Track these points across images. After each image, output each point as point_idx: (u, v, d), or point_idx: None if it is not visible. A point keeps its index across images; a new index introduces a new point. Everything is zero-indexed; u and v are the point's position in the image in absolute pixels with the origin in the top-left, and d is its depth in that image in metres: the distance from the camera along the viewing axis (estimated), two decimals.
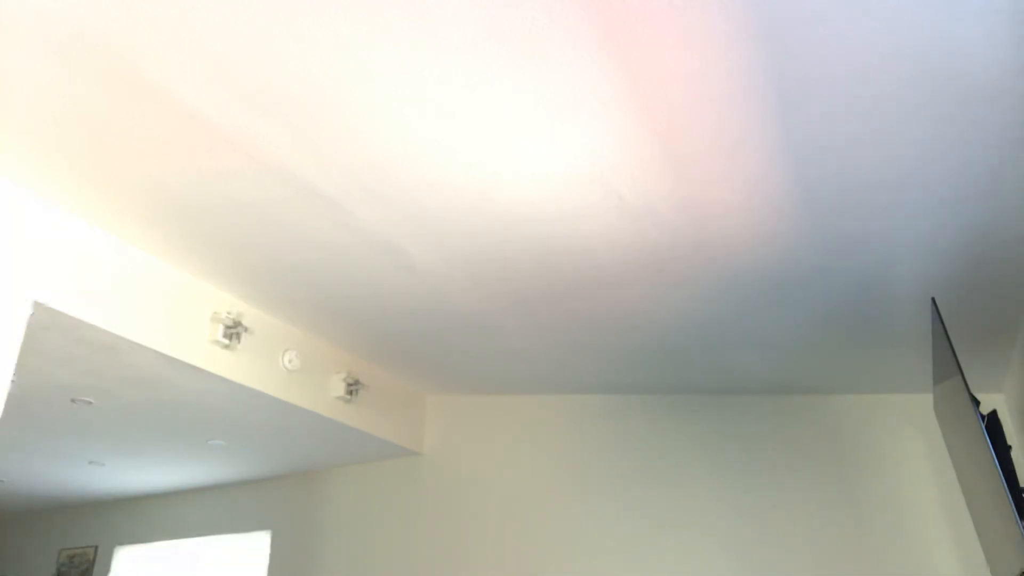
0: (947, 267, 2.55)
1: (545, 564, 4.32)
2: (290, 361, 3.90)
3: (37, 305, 2.78)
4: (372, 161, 2.33)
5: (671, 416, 4.31)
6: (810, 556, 3.72)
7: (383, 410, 4.65)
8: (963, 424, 2.49)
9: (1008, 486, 2.14)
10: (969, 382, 2.33)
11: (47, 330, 2.98)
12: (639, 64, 1.80)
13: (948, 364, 2.39)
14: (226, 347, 3.53)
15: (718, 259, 2.68)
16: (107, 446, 4.75)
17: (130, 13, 1.82)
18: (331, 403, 4.20)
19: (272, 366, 3.83)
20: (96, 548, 6.30)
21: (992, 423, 2.45)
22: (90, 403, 3.90)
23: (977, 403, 2.30)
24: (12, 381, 2.66)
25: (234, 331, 3.54)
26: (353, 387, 4.27)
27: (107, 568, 6.16)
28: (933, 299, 2.48)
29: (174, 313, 3.31)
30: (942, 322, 2.36)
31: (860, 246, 2.49)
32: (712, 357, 3.69)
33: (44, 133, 2.36)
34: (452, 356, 4.17)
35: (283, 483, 5.55)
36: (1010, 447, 2.56)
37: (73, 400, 3.85)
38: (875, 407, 3.85)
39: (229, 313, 3.50)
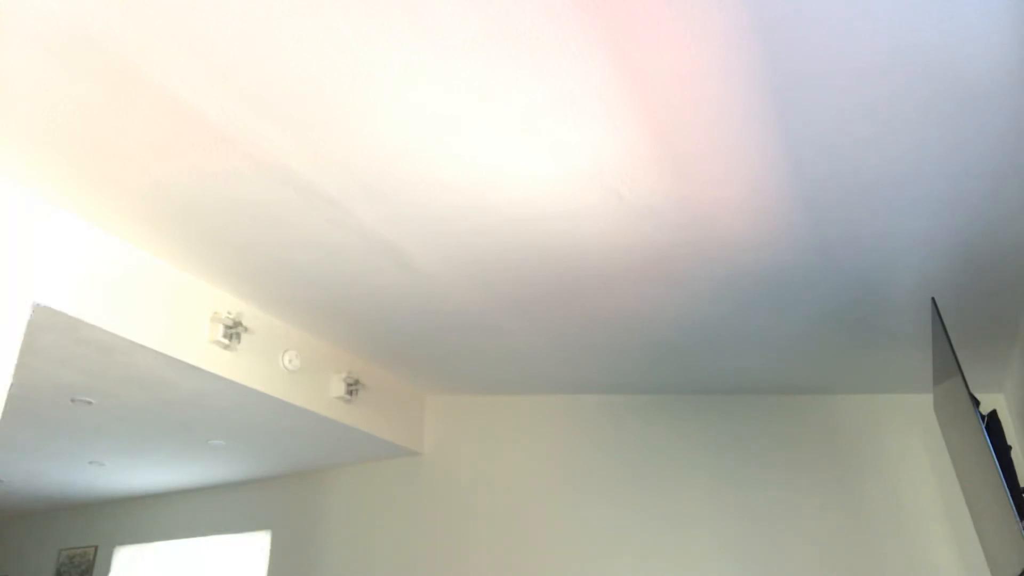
0: (947, 267, 2.55)
1: (545, 564, 4.32)
2: (290, 361, 3.90)
3: (37, 305, 2.78)
4: (372, 161, 2.33)
5: (671, 416, 4.31)
6: (810, 556, 3.72)
7: (383, 410, 4.65)
8: (963, 424, 2.49)
9: (1008, 486, 2.14)
10: (969, 382, 2.33)
11: (47, 330, 2.98)
12: (639, 64, 1.80)
13: (948, 364, 2.39)
14: (226, 347, 3.53)
15: (718, 259, 2.68)
16: (107, 446, 4.75)
17: (130, 13, 1.82)
18: (331, 403, 4.20)
19: (272, 366, 3.83)
20: (96, 548, 6.30)
21: (992, 423, 2.45)
22: (90, 403, 3.90)
23: (977, 403, 2.30)
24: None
25: (234, 331, 3.54)
26: (353, 387, 4.27)
27: (107, 568, 6.16)
28: (933, 299, 2.48)
29: (174, 313, 3.31)
30: (942, 322, 2.36)
31: (860, 246, 2.49)
32: (712, 357, 3.69)
33: (44, 133, 2.36)
34: (452, 356, 4.17)
35: (283, 483, 5.55)
36: (1010, 447, 2.56)
37: (73, 400, 3.84)
38: (875, 407, 3.85)
39: (229, 313, 3.50)
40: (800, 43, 1.68)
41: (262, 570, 5.36)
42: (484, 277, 3.06)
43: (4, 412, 2.72)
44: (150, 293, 3.22)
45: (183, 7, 1.78)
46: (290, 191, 2.56)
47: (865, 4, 1.56)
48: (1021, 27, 1.57)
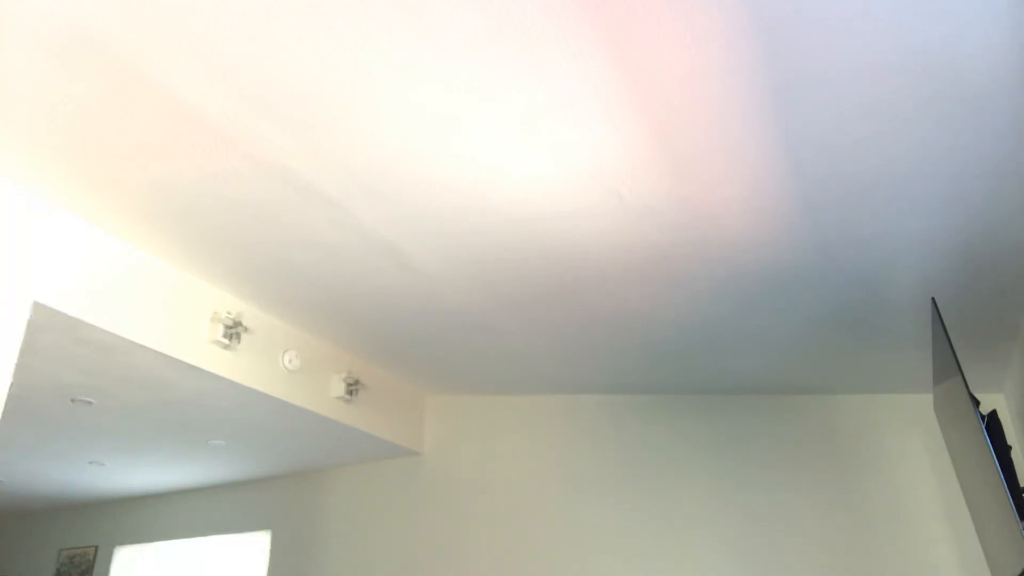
0: (947, 267, 2.55)
1: (545, 564, 4.32)
2: (290, 361, 3.90)
3: (37, 305, 2.78)
4: (372, 161, 2.33)
5: (671, 416, 4.31)
6: (810, 556, 3.72)
7: (383, 410, 4.65)
8: (963, 424, 2.49)
9: (1008, 486, 2.14)
10: (969, 382, 2.33)
11: (47, 330, 2.98)
12: (639, 64, 1.80)
13: (948, 364, 2.39)
14: (226, 347, 3.53)
15: (718, 259, 2.68)
16: (107, 446, 4.75)
17: (130, 13, 1.82)
18: (331, 403, 4.20)
19: (272, 366, 3.83)
20: (96, 548, 6.30)
21: (992, 423, 2.45)
22: (90, 403, 3.90)
23: (977, 403, 2.30)
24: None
25: (234, 331, 3.54)
26: (353, 387, 4.27)
27: (107, 568, 6.16)
28: (933, 299, 2.48)
29: (174, 313, 3.31)
30: (942, 322, 2.36)
31: (860, 246, 2.49)
32: (712, 357, 3.69)
33: (44, 133, 2.36)
34: (452, 356, 4.17)
35: (283, 483, 5.55)
36: (1010, 447, 2.56)
37: (73, 400, 3.84)
38: (875, 407, 3.85)
39: (229, 313, 3.50)
40: (800, 43, 1.68)
41: (262, 570, 5.36)
42: (484, 277, 3.06)
43: (4, 412, 2.72)
44: (150, 293, 3.22)
45: (183, 7, 1.78)
46: (290, 191, 2.56)
47: (865, 4, 1.56)
48: (1021, 27, 1.57)
